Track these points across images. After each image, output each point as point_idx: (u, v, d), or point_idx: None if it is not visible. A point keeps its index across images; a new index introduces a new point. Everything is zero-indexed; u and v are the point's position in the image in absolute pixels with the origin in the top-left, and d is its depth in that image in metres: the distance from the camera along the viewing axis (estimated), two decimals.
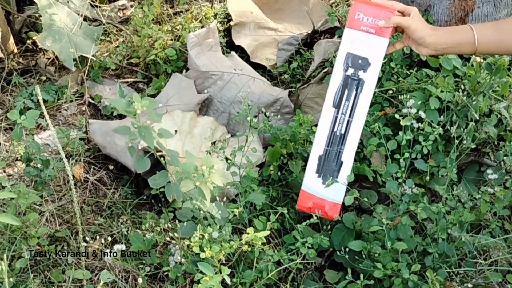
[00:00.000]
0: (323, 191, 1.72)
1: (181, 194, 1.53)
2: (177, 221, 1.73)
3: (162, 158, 1.60)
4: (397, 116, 1.78)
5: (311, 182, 1.73)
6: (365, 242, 1.71)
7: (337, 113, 1.66)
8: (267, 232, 1.46)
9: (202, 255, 1.38)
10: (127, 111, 1.39)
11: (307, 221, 1.66)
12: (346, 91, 1.64)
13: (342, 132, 1.67)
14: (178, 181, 1.52)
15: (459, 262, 1.67)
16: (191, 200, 1.54)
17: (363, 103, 1.65)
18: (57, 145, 1.41)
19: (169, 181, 1.54)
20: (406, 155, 1.75)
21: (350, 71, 1.62)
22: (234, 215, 1.53)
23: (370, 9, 1.59)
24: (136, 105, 1.38)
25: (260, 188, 1.89)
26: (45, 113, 1.40)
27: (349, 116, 1.66)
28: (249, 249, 1.47)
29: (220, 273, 1.26)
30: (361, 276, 1.57)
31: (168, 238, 1.63)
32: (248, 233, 1.42)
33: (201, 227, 1.43)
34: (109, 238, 1.72)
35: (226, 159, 1.86)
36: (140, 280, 1.29)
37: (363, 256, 1.68)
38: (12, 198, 1.71)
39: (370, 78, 1.63)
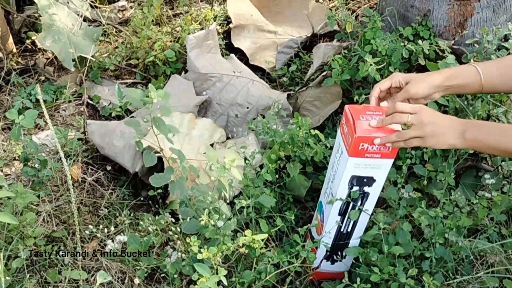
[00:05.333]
0: (332, 268, 1.80)
1: (185, 192, 1.54)
2: (172, 219, 1.74)
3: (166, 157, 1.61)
4: None
5: (323, 268, 1.80)
6: (362, 247, 1.72)
7: (343, 220, 1.67)
8: (265, 235, 1.46)
9: (199, 256, 1.38)
10: (144, 100, 1.40)
11: (308, 225, 1.66)
12: (352, 203, 1.63)
13: (349, 230, 1.70)
14: (181, 179, 1.53)
15: (456, 267, 1.68)
16: (200, 196, 1.55)
17: (368, 209, 1.65)
18: (56, 144, 1.41)
19: (172, 180, 1.55)
20: (408, 161, 1.75)
21: (355, 188, 1.58)
22: (240, 212, 1.54)
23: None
24: (153, 95, 1.39)
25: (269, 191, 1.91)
26: (45, 113, 1.39)
27: (356, 221, 1.68)
28: (246, 251, 1.47)
29: (217, 274, 1.26)
30: (358, 280, 1.57)
31: (165, 240, 1.63)
32: (245, 235, 1.42)
33: (207, 216, 1.44)
34: (107, 233, 1.72)
35: (245, 159, 1.89)
36: (137, 281, 1.28)
37: (360, 261, 1.68)
38: (9, 198, 1.71)
39: (375, 190, 1.60)
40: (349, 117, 1.48)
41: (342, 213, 1.64)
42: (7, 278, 1.33)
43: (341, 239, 1.72)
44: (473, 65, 1.56)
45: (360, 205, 1.61)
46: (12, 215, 1.40)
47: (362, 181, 1.55)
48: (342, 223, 1.67)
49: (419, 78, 1.55)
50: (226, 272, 1.25)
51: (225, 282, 1.23)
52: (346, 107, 1.51)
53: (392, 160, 1.51)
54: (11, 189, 1.70)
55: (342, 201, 1.60)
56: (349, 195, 1.59)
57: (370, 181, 1.55)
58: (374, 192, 1.59)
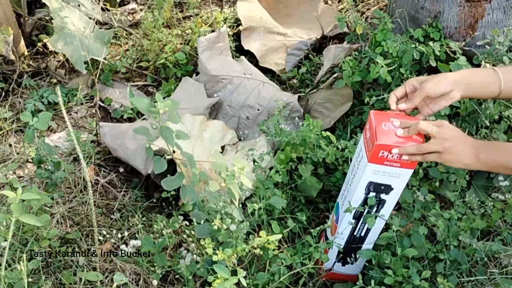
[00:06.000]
0: (343, 270, 1.81)
1: (196, 196, 1.55)
2: (186, 222, 1.75)
3: (177, 161, 1.61)
4: None
5: (334, 269, 1.82)
6: (375, 249, 1.72)
7: (357, 223, 1.67)
8: (279, 236, 1.47)
9: (215, 257, 1.39)
10: (150, 111, 1.40)
11: (321, 226, 1.67)
12: (367, 208, 1.62)
13: (362, 234, 1.70)
14: (192, 183, 1.54)
15: (470, 269, 1.67)
16: (212, 201, 1.56)
17: (384, 214, 1.64)
18: (76, 146, 1.43)
19: (183, 184, 1.56)
20: (424, 164, 1.75)
21: (372, 194, 1.57)
22: (253, 214, 1.54)
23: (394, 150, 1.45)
24: (159, 105, 1.39)
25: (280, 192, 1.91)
26: (65, 115, 1.41)
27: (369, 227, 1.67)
28: (261, 252, 1.47)
29: (235, 275, 1.26)
30: (372, 282, 1.57)
31: (178, 241, 1.64)
32: (260, 237, 1.43)
33: (219, 220, 1.45)
34: (121, 238, 1.73)
35: (254, 161, 1.89)
36: (155, 282, 1.29)
37: (373, 263, 1.68)
38: (23, 200, 1.72)
39: (392, 198, 1.58)
40: (372, 123, 1.47)
41: (357, 217, 1.63)
42: (30, 279, 1.34)
43: (354, 243, 1.72)
44: (491, 68, 1.55)
45: (376, 211, 1.61)
46: (36, 217, 1.41)
47: (379, 188, 1.54)
48: (356, 226, 1.66)
49: (434, 76, 1.54)
50: (244, 273, 1.25)
51: (244, 283, 1.24)
52: (371, 112, 1.51)
53: (411, 171, 1.50)
54: (25, 191, 1.71)
55: (357, 207, 1.60)
56: (365, 201, 1.58)
57: (387, 188, 1.54)
58: (391, 199, 1.58)
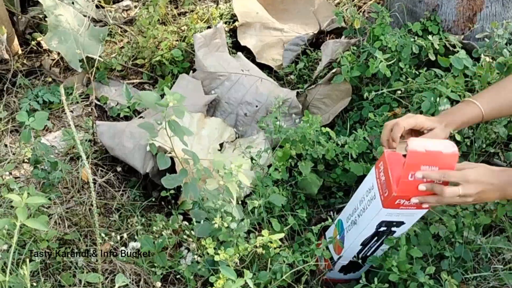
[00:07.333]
0: (345, 277, 1.81)
1: (198, 193, 1.53)
2: (185, 223, 1.73)
3: (177, 158, 1.59)
4: None
5: (335, 275, 1.81)
6: None
7: (364, 248, 1.65)
8: (282, 234, 1.45)
9: (217, 257, 1.38)
10: (159, 104, 1.38)
11: (322, 223, 1.65)
12: (376, 237, 1.60)
13: (368, 254, 1.68)
14: (194, 181, 1.52)
15: (474, 266, 1.66)
16: (211, 199, 1.54)
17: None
18: (78, 147, 1.40)
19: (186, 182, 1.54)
20: None
21: (383, 228, 1.55)
22: (253, 212, 1.53)
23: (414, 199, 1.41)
24: (169, 98, 1.37)
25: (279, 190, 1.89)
26: (68, 114, 1.38)
27: (376, 248, 1.66)
28: (264, 251, 1.46)
29: (240, 275, 1.25)
30: (375, 280, 1.55)
31: (178, 241, 1.62)
32: (262, 235, 1.41)
33: (219, 219, 1.43)
34: (120, 239, 1.71)
35: (252, 159, 1.87)
36: (158, 284, 1.27)
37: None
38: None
39: (402, 229, 1.57)
40: (387, 167, 1.41)
41: (366, 244, 1.62)
42: (34, 283, 1.32)
43: (358, 259, 1.71)
44: (472, 101, 1.61)
45: (384, 238, 1.60)
46: (41, 221, 1.38)
47: (391, 224, 1.53)
48: (363, 251, 1.65)
49: (430, 134, 1.55)
50: (251, 274, 1.23)
51: (251, 285, 1.22)
52: (386, 153, 1.44)
53: (426, 210, 1.47)
54: (21, 192, 1.69)
55: (367, 236, 1.59)
56: (375, 233, 1.57)
57: (399, 224, 1.53)
58: (401, 230, 1.57)
